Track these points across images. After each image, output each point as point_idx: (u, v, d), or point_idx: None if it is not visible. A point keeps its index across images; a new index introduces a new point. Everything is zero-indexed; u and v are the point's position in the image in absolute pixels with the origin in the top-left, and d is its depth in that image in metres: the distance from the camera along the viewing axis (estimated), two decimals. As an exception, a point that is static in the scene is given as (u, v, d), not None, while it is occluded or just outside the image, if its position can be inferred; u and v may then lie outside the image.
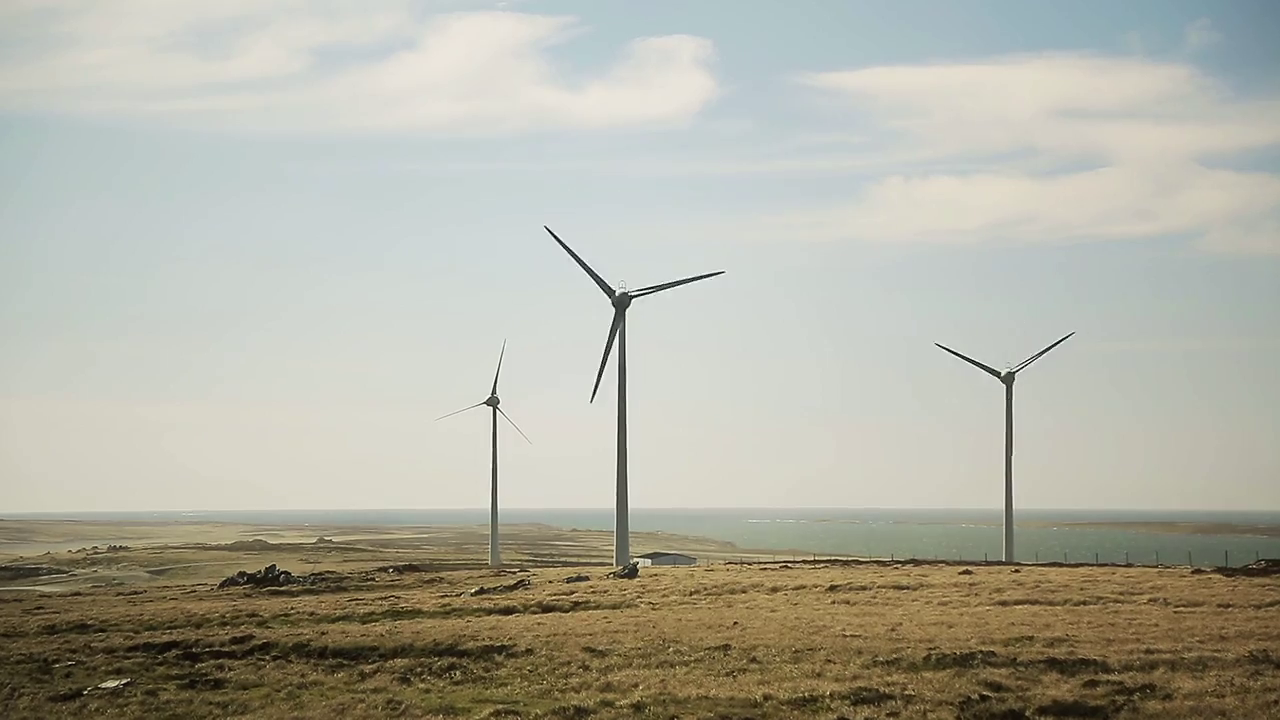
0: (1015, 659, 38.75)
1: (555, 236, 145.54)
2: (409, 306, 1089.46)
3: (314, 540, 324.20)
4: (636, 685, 35.80)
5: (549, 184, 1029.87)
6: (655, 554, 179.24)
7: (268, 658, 46.68)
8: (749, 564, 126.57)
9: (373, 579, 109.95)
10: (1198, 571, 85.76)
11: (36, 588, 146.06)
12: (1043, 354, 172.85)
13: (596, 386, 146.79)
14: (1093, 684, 34.16)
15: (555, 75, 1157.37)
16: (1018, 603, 63.46)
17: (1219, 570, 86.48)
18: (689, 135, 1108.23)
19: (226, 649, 49.19)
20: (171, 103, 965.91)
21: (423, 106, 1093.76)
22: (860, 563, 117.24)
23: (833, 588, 75.73)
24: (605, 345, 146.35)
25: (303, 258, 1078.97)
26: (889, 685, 34.26)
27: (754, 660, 40.43)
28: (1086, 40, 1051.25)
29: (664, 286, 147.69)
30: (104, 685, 39.74)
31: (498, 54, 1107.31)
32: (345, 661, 44.64)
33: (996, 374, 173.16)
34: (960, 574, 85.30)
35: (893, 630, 48.14)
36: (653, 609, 65.85)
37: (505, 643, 46.65)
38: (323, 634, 53.13)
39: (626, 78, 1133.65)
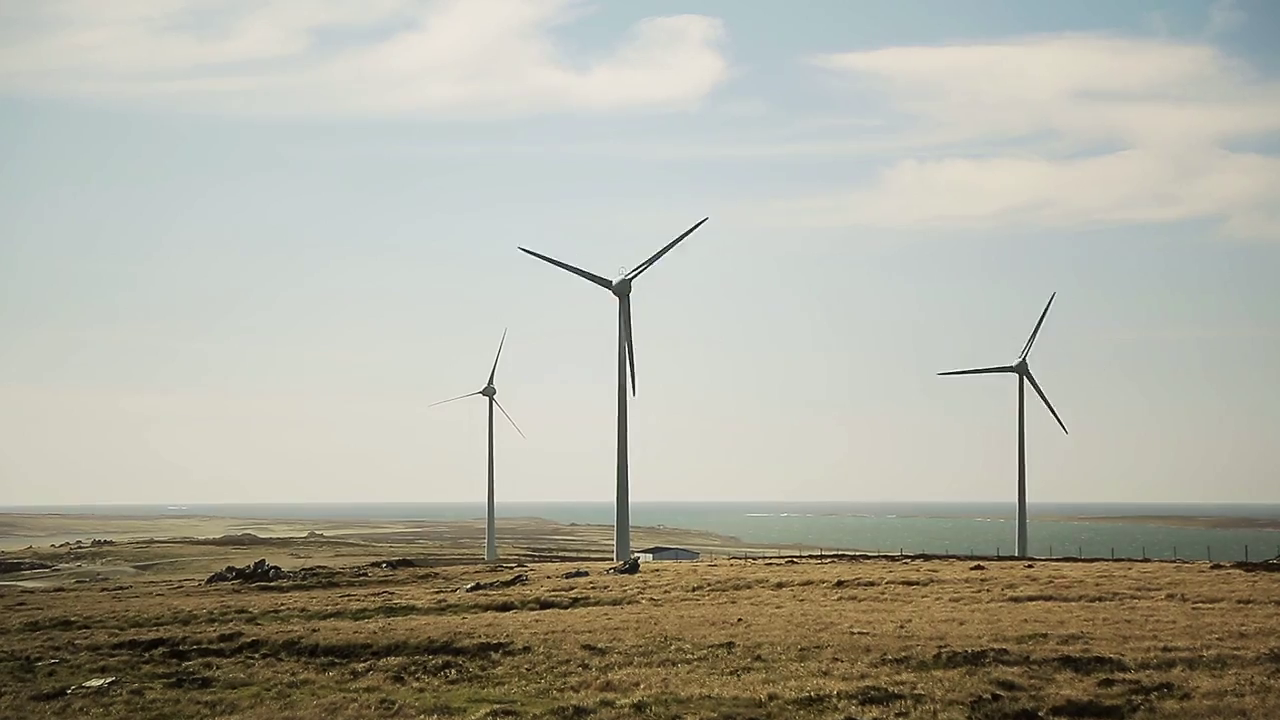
0: (1028, 657, 38.36)
1: (534, 254, 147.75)
2: (406, 294, 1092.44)
3: (305, 534, 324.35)
4: (638, 684, 35.47)
5: (554, 168, 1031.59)
6: (657, 549, 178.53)
7: (257, 656, 46.45)
8: (753, 559, 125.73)
9: (365, 574, 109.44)
10: (1216, 566, 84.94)
11: (18, 583, 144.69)
12: (1037, 329, 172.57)
13: (633, 378, 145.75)
14: (1108, 683, 33.79)
15: (561, 56, 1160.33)
16: (1031, 599, 63.13)
17: (1238, 565, 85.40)
18: (698, 118, 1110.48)
19: (214, 646, 48.85)
20: (167, 85, 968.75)
21: (425, 88, 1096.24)
22: (868, 558, 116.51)
23: (840, 583, 75.14)
24: (621, 335, 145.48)
25: (298, 244, 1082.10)
26: (898, 684, 33.89)
27: (759, 658, 40.06)
28: (1108, 20, 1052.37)
29: (654, 258, 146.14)
30: (88, 684, 39.38)
31: (502, 34, 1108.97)
32: (337, 659, 44.41)
33: (1009, 369, 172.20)
34: (971, 569, 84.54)
35: (902, 627, 47.82)
36: (654, 605, 65.55)
37: (502, 640, 46.37)
38: (314, 631, 52.91)
39: (634, 59, 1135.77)
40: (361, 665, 42.22)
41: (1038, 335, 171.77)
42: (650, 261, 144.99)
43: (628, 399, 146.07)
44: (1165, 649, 39.39)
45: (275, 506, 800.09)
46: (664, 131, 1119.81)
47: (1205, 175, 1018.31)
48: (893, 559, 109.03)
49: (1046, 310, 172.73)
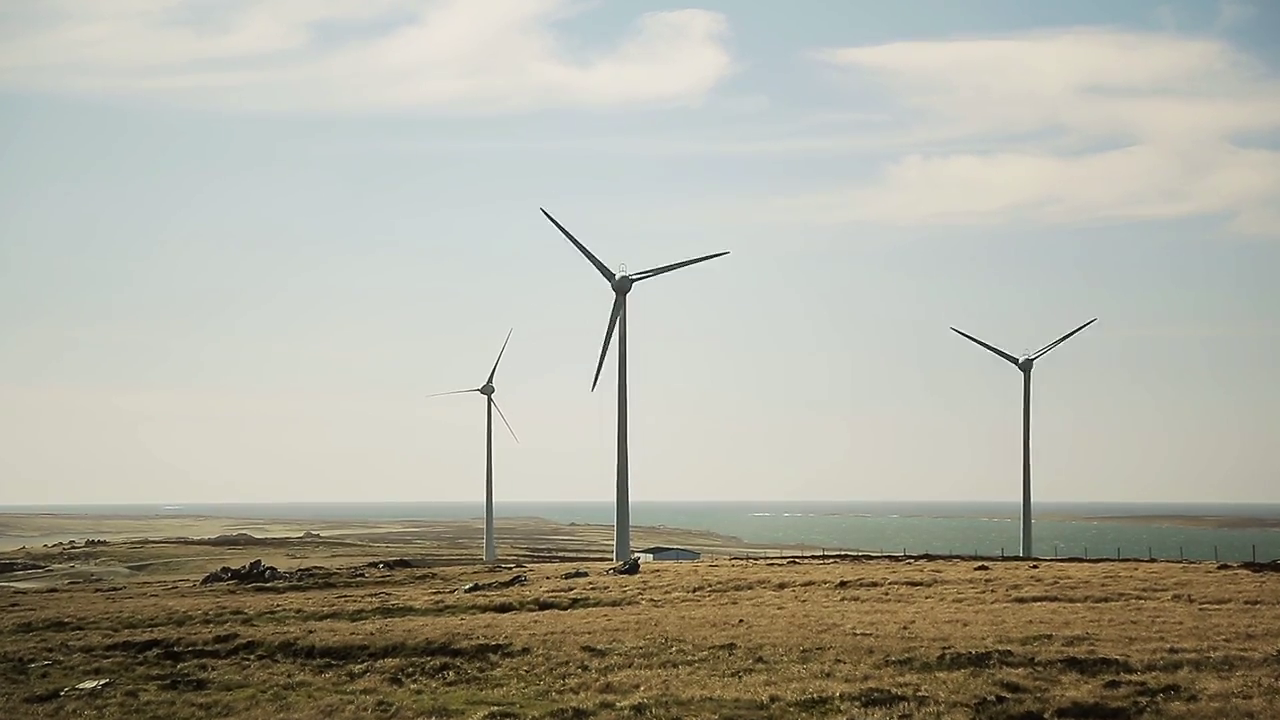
0: (1033, 658, 38.09)
1: (551, 219, 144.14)
2: (404, 291, 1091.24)
3: (301, 534, 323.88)
4: (638, 686, 35.24)
5: (555, 164, 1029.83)
6: (657, 549, 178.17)
7: (253, 657, 46.24)
8: (755, 559, 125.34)
9: (362, 575, 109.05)
10: (1224, 567, 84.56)
11: (11, 584, 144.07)
12: (1063, 340, 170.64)
13: (598, 374, 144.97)
14: (1114, 685, 33.56)
15: (563, 51, 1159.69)
16: (1036, 600, 62.85)
17: (1246, 565, 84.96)
18: (701, 113, 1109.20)
19: (210, 648, 48.67)
20: (165, 80, 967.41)
21: (425, 83, 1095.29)
22: (871, 558, 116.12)
23: (842, 584, 74.78)
24: (606, 331, 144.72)
25: (296, 240, 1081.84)
26: (901, 686, 33.67)
27: (760, 660, 39.78)
28: (1116, 15, 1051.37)
29: (666, 269, 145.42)
30: (82, 686, 39.31)
31: (503, 29, 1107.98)
32: (333, 661, 44.15)
33: (1014, 360, 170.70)
34: (976, 570, 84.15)
35: (905, 629, 47.47)
36: (655, 606, 65.23)
37: (501, 641, 46.04)
38: (310, 632, 52.60)
39: (636, 53, 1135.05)
40: (358, 667, 42.00)
41: (1058, 345, 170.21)
42: (657, 272, 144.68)
43: (627, 400, 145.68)
44: (1171, 650, 39.09)
45: (271, 506, 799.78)
46: (666, 127, 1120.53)
47: (1213, 171, 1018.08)
48: (896, 559, 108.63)
49: (1078, 330, 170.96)
